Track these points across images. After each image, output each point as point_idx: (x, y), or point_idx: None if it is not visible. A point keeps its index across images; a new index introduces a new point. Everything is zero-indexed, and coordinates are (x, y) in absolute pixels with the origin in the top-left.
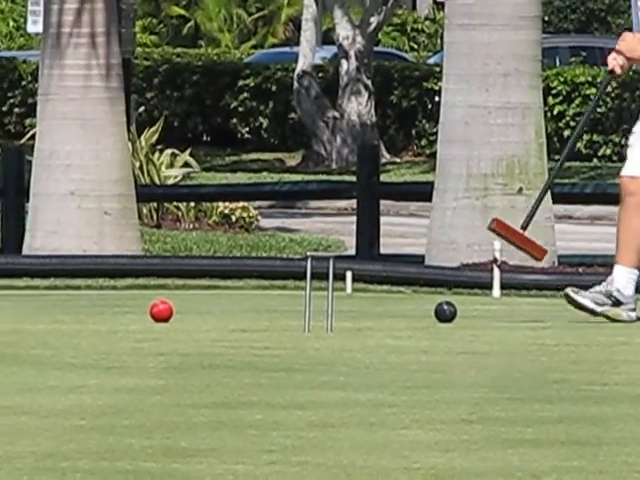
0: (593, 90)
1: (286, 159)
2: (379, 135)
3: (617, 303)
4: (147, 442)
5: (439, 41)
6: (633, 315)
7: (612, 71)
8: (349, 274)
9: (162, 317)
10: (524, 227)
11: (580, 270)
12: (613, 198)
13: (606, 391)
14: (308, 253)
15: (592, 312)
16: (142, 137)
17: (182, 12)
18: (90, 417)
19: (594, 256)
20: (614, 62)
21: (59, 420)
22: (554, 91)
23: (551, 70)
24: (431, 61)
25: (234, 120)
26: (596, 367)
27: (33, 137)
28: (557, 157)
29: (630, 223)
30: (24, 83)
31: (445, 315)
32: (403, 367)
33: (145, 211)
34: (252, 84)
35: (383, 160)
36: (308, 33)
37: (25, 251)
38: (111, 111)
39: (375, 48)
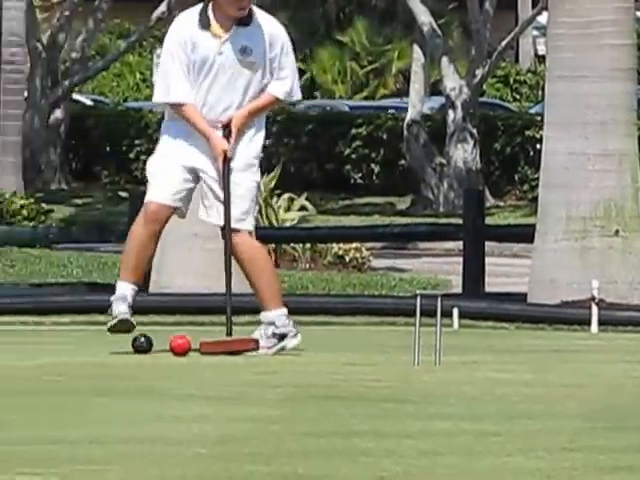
0: None
1: (396, 203)
2: (484, 180)
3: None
4: (266, 469)
5: (540, 92)
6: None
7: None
8: (456, 311)
9: (181, 350)
10: (229, 333)
11: None
12: None
13: None
14: (417, 292)
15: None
16: (261, 183)
17: (299, 65)
18: (212, 445)
19: None
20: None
21: (183, 448)
22: None
23: None
24: (533, 111)
25: (347, 166)
26: None
27: None
28: None
29: None
30: (150, 131)
31: (143, 347)
32: (506, 398)
33: None
34: (364, 132)
35: (487, 204)
36: (417, 85)
37: (152, 289)
38: None
39: (480, 98)
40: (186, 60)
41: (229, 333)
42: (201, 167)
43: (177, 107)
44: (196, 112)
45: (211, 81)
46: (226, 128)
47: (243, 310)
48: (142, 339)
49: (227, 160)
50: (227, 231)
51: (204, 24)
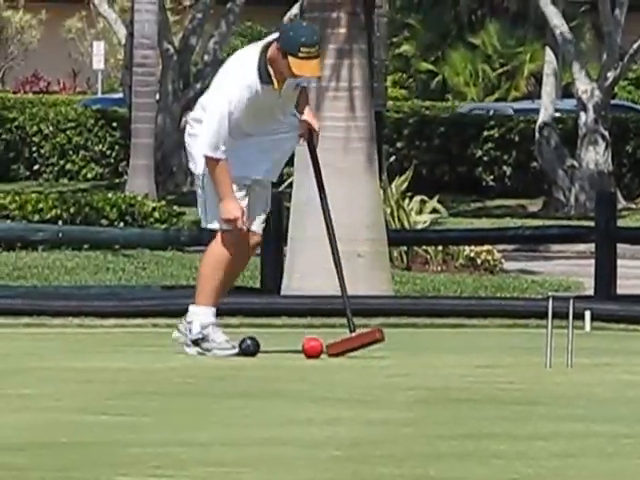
0: None
1: (528, 205)
2: (615, 182)
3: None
4: (398, 471)
5: None
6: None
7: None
8: (588, 313)
9: (314, 353)
10: (352, 330)
11: None
12: None
13: None
14: (549, 294)
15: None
16: (393, 185)
17: (430, 67)
18: (344, 448)
19: None
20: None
21: (315, 451)
22: None
23: None
24: None
25: (479, 168)
26: None
27: (290, 185)
28: None
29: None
30: None
31: (250, 350)
32: (638, 401)
33: (395, 254)
34: (496, 135)
35: (619, 206)
36: (549, 87)
37: (283, 291)
38: (364, 160)
39: (611, 101)
40: (237, 114)
41: (352, 330)
42: (259, 178)
43: (216, 162)
44: (228, 170)
45: (274, 117)
46: (309, 144)
47: (365, 312)
48: (249, 341)
49: (321, 180)
50: (331, 236)
51: (266, 81)
